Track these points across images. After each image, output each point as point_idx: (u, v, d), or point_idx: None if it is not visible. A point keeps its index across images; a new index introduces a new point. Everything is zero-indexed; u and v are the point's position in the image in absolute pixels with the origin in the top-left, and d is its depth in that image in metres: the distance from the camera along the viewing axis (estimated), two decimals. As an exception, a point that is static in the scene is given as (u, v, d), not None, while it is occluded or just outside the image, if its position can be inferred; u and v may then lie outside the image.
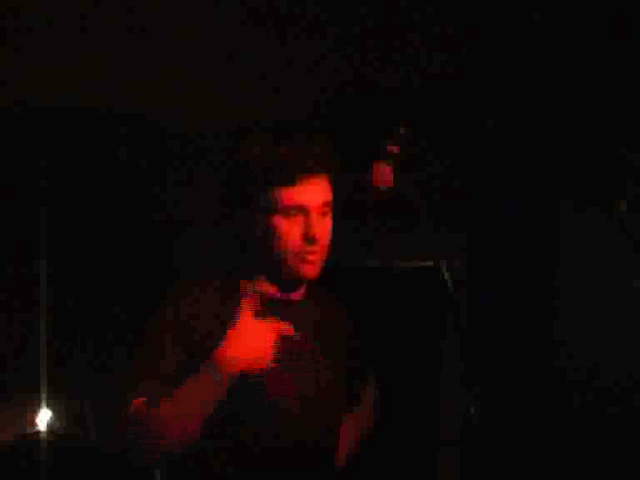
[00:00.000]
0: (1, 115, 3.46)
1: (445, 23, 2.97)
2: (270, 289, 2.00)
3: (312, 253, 1.93)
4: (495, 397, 2.97)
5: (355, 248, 3.38)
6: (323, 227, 1.94)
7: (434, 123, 3.21)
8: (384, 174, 2.03)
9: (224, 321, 1.87)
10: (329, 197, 1.96)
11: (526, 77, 3.20)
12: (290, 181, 1.90)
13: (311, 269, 1.95)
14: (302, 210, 1.91)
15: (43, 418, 3.42)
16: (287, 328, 1.90)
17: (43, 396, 3.42)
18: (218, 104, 3.36)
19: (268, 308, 1.93)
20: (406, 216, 2.04)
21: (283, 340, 1.91)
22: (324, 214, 1.95)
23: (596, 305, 3.20)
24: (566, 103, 3.21)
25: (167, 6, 2.86)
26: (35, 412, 3.41)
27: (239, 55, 3.12)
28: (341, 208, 2.02)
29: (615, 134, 3.15)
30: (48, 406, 3.43)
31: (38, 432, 3.35)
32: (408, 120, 2.06)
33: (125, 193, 3.63)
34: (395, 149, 2.02)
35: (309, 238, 1.91)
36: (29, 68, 3.16)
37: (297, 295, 2.03)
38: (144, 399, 1.85)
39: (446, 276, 2.00)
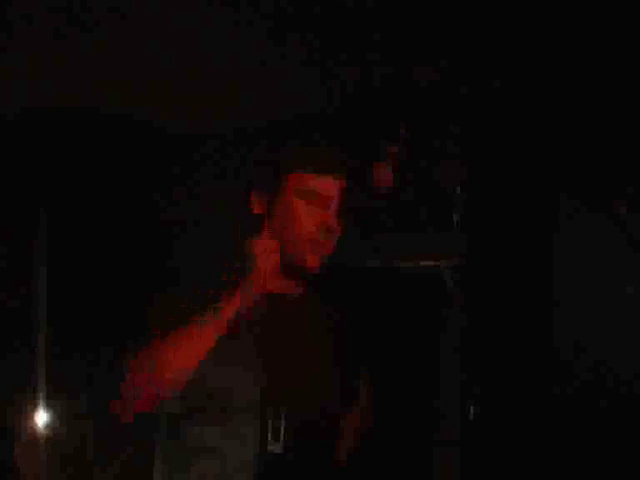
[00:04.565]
0: (1, 115, 3.46)
1: (445, 22, 2.97)
2: (270, 285, 2.00)
3: (322, 245, 1.96)
4: (494, 397, 2.97)
5: (355, 248, 3.38)
6: (337, 224, 1.98)
7: (434, 123, 3.21)
8: (384, 174, 2.04)
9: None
10: (344, 199, 2.01)
11: (526, 77, 3.20)
12: (320, 170, 1.96)
13: (314, 260, 1.98)
14: (323, 199, 1.95)
15: (42, 418, 3.42)
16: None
17: (42, 395, 3.43)
18: (217, 104, 3.36)
19: (269, 305, 1.96)
20: (406, 216, 2.05)
21: (282, 337, 1.93)
22: (339, 213, 1.98)
23: (596, 305, 3.20)
24: (566, 104, 3.21)
25: (168, 5, 2.86)
26: (35, 412, 3.42)
27: (238, 55, 3.11)
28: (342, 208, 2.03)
29: (615, 134, 3.15)
30: (47, 406, 3.43)
31: (38, 432, 3.35)
32: (408, 120, 2.07)
33: (125, 193, 3.64)
34: (395, 149, 2.04)
35: (325, 227, 1.94)
36: (29, 68, 3.16)
37: (297, 292, 2.04)
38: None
39: (446, 276, 2.01)
